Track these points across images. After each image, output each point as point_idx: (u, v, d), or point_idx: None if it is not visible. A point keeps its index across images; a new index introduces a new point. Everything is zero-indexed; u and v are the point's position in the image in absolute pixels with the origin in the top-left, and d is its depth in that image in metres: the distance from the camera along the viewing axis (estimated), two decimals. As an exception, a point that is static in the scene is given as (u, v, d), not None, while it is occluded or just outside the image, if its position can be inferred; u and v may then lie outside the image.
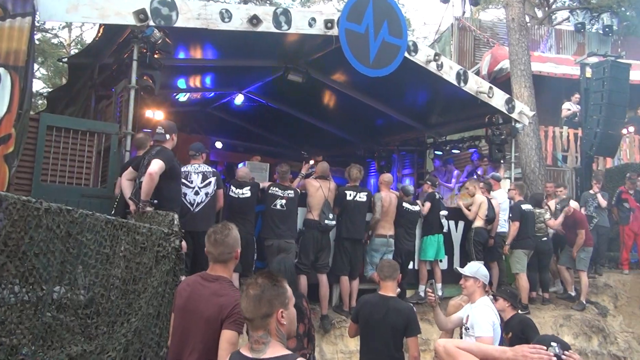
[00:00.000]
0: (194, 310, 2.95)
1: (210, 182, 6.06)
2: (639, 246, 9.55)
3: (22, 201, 3.06)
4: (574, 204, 8.67)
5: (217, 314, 2.84)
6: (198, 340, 2.90)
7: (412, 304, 7.41)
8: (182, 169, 5.95)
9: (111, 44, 6.96)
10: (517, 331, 4.63)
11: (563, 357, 2.30)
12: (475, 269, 4.46)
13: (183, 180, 5.85)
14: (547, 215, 8.35)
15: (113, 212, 5.24)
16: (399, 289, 4.59)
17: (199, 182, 5.99)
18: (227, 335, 2.80)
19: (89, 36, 24.07)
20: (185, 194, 5.86)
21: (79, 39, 24.82)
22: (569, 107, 12.44)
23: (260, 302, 2.15)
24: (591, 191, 9.59)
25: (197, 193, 5.95)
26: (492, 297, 4.94)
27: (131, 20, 5.78)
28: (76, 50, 22.18)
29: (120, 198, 5.60)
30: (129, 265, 3.54)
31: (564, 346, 2.36)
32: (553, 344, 2.35)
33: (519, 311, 5.15)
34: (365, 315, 4.34)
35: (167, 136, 5.32)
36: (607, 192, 9.82)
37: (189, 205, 5.87)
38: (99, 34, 7.12)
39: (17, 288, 3.04)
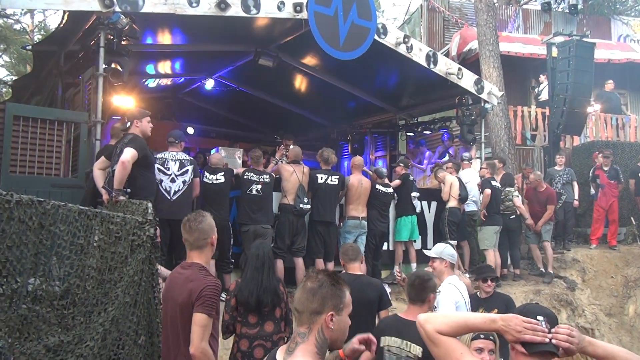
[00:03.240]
0: (171, 298, 3.11)
1: (187, 170, 6.05)
2: (609, 221, 9.81)
3: (-9, 194, 3.02)
4: (534, 175, 8.93)
5: (188, 299, 2.98)
6: (180, 326, 3.03)
7: (387, 284, 7.60)
8: (159, 156, 5.94)
9: (77, 31, 6.81)
10: (502, 308, 4.76)
11: (550, 336, 1.96)
12: (441, 249, 4.57)
13: (160, 167, 5.85)
14: (516, 193, 8.53)
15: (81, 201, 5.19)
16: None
17: (175, 170, 5.98)
18: (196, 318, 2.93)
19: (53, 21, 23.43)
20: (161, 181, 5.85)
21: (42, 25, 24.12)
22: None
23: (313, 296, 2.00)
24: (556, 167, 9.83)
25: (173, 180, 5.94)
26: (468, 275, 5.10)
27: (96, 6, 5.66)
28: (40, 36, 21.58)
29: (89, 187, 5.56)
30: (104, 255, 3.52)
31: (551, 320, 2.04)
32: (539, 317, 2.02)
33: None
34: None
35: (128, 124, 5.27)
36: (574, 168, 10.09)
37: (165, 194, 5.87)
38: (64, 21, 6.96)
39: (-9, 281, 3.01)
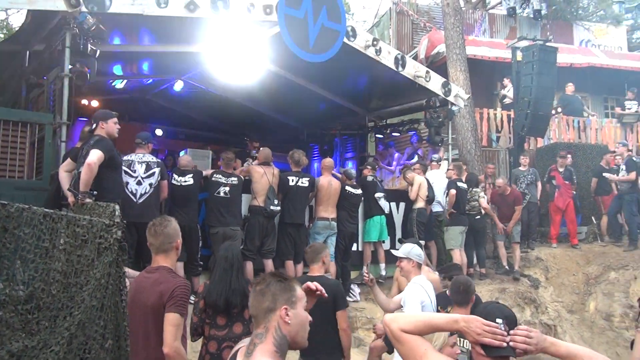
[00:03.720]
0: (140, 302, 3.15)
1: (154, 173, 6.00)
2: (567, 221, 10.11)
3: (-48, 197, 2.96)
4: (502, 180, 9.18)
5: (159, 300, 3.04)
6: (150, 329, 3.08)
7: (357, 284, 7.68)
8: (125, 158, 5.88)
9: (41, 30, 6.68)
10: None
11: (508, 339, 2.00)
12: (408, 249, 4.65)
13: (126, 169, 5.79)
14: (482, 194, 8.72)
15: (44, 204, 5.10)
16: None
17: (142, 172, 5.93)
18: (169, 318, 3.00)
19: (16, 20, 22.87)
20: (127, 183, 5.79)
21: (4, 23, 23.52)
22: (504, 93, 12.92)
23: (263, 296, 1.99)
24: (521, 168, 10.09)
25: (139, 183, 5.89)
26: (443, 275, 5.24)
27: (62, 6, 5.58)
28: (1, 35, 21.03)
29: (52, 189, 5.47)
30: (69, 258, 3.47)
31: (510, 322, 2.08)
32: (498, 320, 2.05)
33: None
34: None
35: (94, 125, 5.21)
36: (538, 169, 10.36)
37: (131, 196, 5.81)
38: (28, 20, 6.82)
39: (-48, 286, 2.96)
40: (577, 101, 13.41)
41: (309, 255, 4.58)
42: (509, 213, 8.95)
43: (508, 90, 12.56)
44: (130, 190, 5.82)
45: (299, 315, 2.01)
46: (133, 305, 3.23)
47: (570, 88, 13.21)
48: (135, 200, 5.83)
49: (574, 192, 10.27)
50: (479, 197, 8.60)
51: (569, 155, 10.49)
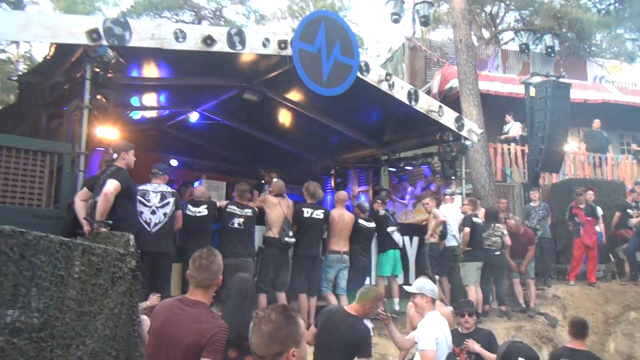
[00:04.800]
0: (171, 335, 2.93)
1: (168, 203, 6.03)
2: (589, 257, 9.96)
3: (-28, 224, 3.01)
4: (514, 221, 9.09)
5: (196, 341, 2.84)
6: None
7: (369, 319, 7.56)
8: (140, 187, 5.94)
9: (63, 63, 6.85)
10: (484, 343, 4.94)
11: None
12: (421, 285, 4.58)
13: (140, 199, 5.84)
14: (505, 231, 8.61)
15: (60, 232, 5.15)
16: None
17: (156, 202, 5.96)
18: None
19: (38, 51, 23.47)
20: (141, 212, 5.83)
21: (28, 55, 24.15)
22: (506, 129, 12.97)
23: (272, 340, 1.99)
24: (532, 203, 10.00)
25: (154, 212, 5.92)
26: (455, 312, 5.19)
27: (84, 40, 5.73)
28: (24, 66, 21.59)
29: (69, 218, 5.53)
30: (84, 287, 3.50)
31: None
32: (520, 359, 2.15)
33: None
34: (324, 324, 4.38)
35: (115, 155, 5.29)
36: (550, 205, 10.27)
37: (145, 225, 5.84)
38: (51, 53, 7.01)
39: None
40: (602, 137, 13.37)
41: (360, 293, 4.47)
42: (522, 252, 8.86)
43: (509, 129, 12.61)
44: (144, 219, 5.85)
45: (303, 351, 2.08)
46: (161, 334, 2.97)
47: (596, 124, 13.23)
48: (149, 229, 5.86)
49: (599, 231, 10.11)
50: (502, 233, 8.48)
51: (591, 192, 10.36)
